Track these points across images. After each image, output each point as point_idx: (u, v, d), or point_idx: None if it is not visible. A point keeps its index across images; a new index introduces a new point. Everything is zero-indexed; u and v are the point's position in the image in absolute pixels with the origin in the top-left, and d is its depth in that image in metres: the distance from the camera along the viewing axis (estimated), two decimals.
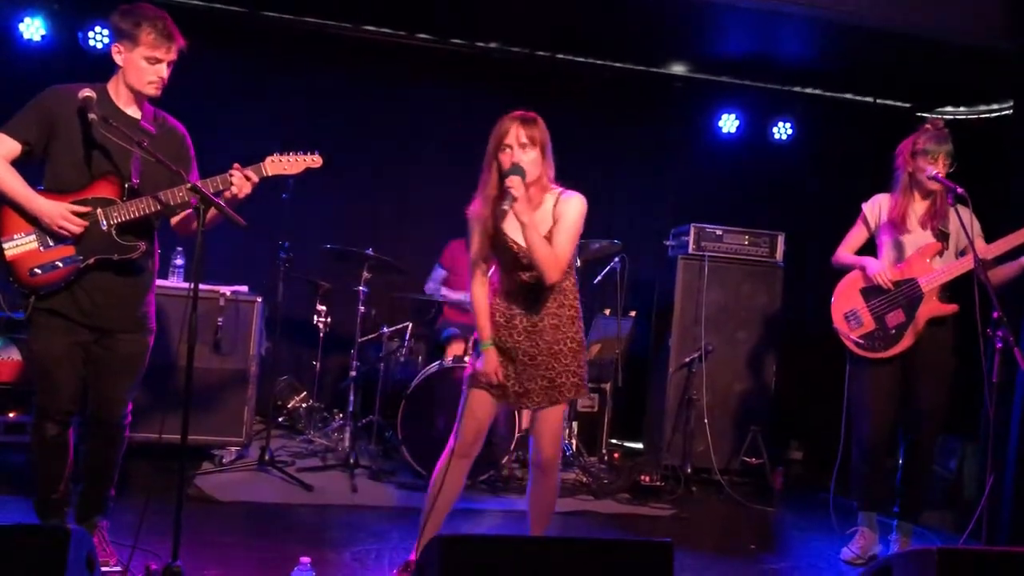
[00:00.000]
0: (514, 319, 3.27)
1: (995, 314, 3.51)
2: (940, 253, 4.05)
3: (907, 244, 4.10)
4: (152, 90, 3.08)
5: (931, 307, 4.01)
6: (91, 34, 5.71)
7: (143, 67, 3.03)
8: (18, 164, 3.02)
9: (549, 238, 3.18)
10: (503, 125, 3.20)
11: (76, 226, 2.98)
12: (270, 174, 3.16)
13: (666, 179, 7.20)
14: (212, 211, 2.98)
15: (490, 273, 3.38)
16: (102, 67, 5.82)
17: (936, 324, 4.04)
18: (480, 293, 3.32)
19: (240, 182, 3.06)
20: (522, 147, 3.15)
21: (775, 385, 5.89)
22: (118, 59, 3.07)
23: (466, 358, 4.97)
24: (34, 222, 2.99)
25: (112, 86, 3.13)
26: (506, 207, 3.02)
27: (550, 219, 3.23)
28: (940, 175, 3.93)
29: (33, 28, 5.72)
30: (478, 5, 5.88)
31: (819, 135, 7.04)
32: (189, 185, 2.95)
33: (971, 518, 4.40)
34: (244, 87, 6.31)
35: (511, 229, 3.20)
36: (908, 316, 4.03)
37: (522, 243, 3.16)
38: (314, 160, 3.24)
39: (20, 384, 4.68)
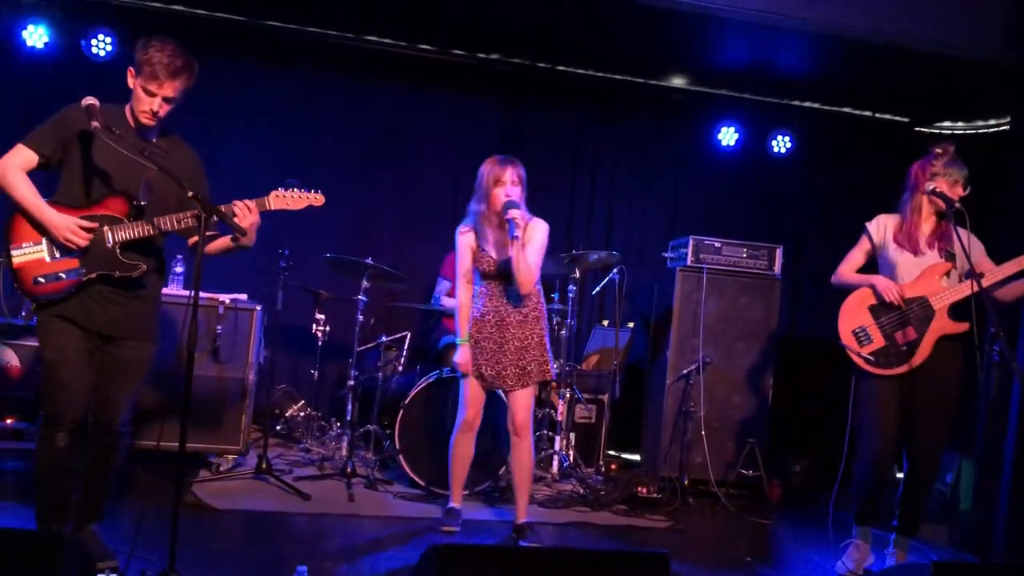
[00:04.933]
0: (486, 316, 4.14)
1: (991, 330, 3.52)
2: (948, 273, 4.07)
3: (915, 264, 4.10)
4: (144, 119, 3.17)
5: (942, 324, 4.00)
6: (93, 42, 5.75)
7: (140, 96, 3.14)
8: (33, 173, 3.12)
9: None
10: (500, 166, 4.05)
11: (81, 239, 3.06)
12: (273, 208, 3.29)
13: (665, 191, 7.23)
14: (225, 242, 3.26)
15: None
16: (104, 74, 5.88)
17: (947, 341, 4.03)
18: (466, 299, 4.18)
19: (243, 213, 3.16)
20: (514, 184, 4.03)
21: (772, 397, 5.89)
22: (129, 83, 3.18)
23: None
24: (43, 232, 3.08)
25: (128, 107, 3.23)
26: (518, 234, 3.89)
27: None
28: (939, 190, 3.95)
29: (36, 35, 5.76)
30: (479, 17, 5.90)
31: (818, 149, 7.07)
32: (191, 193, 3.01)
33: (967, 532, 4.41)
34: (245, 95, 6.33)
35: (487, 246, 4.13)
36: (919, 333, 4.02)
37: (495, 257, 4.09)
38: (316, 198, 3.39)
39: (15, 390, 4.66)
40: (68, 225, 3.04)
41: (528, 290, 4.07)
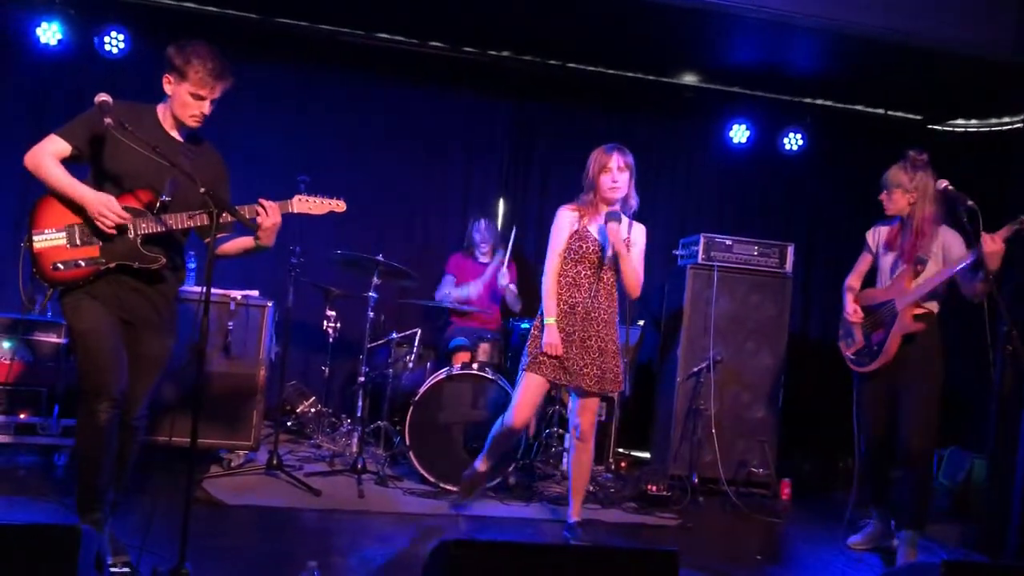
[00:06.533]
0: (576, 307, 4.05)
1: (1003, 328, 3.56)
2: (916, 276, 4.24)
3: (895, 268, 4.35)
4: (192, 122, 3.27)
5: (903, 324, 4.23)
6: (107, 39, 5.76)
7: (187, 101, 3.22)
8: (66, 164, 3.19)
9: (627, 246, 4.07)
10: (606, 153, 4.05)
11: (114, 218, 3.09)
12: (296, 211, 3.37)
13: (676, 188, 7.21)
14: (246, 242, 3.33)
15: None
16: (116, 71, 5.91)
17: (913, 341, 4.22)
18: (555, 280, 4.09)
19: (264, 213, 3.23)
20: (620, 171, 4.01)
21: (783, 396, 5.88)
22: (167, 89, 3.26)
23: (473, 366, 4.99)
24: (79, 211, 3.13)
25: (161, 110, 3.31)
26: (620, 228, 4.02)
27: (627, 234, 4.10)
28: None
29: (50, 33, 5.77)
30: (490, 14, 5.90)
31: (830, 146, 7.04)
32: (203, 189, 3.03)
33: (978, 531, 4.42)
34: (255, 92, 6.32)
35: (594, 230, 4.08)
36: (887, 333, 4.27)
37: (598, 239, 4.05)
38: (338, 205, 3.51)
39: (22, 385, 4.69)
40: (104, 201, 3.09)
41: (638, 294, 4.07)
